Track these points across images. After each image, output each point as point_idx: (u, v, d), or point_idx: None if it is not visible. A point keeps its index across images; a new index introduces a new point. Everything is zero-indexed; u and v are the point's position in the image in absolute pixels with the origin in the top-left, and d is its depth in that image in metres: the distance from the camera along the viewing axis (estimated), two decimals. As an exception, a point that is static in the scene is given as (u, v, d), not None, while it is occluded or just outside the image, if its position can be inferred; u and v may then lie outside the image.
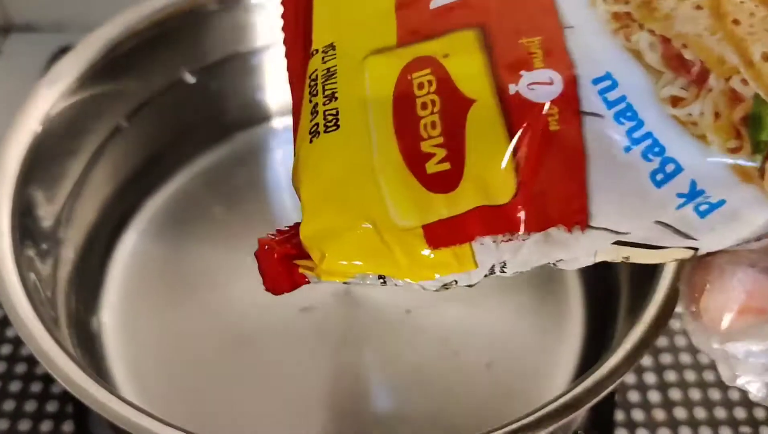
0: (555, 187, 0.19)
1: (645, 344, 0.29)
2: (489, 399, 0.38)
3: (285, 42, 0.24)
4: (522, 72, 0.19)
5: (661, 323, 0.30)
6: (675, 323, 0.42)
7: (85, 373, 0.29)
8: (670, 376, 0.40)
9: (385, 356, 0.39)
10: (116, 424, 0.28)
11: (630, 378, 0.40)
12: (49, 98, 0.35)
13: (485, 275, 0.21)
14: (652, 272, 0.32)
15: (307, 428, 0.37)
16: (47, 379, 0.39)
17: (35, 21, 0.58)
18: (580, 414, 0.29)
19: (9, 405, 0.38)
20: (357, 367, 0.39)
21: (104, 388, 0.29)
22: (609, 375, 0.29)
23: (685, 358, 0.41)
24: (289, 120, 0.45)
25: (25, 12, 0.57)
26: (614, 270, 0.39)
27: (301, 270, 0.21)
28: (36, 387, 0.39)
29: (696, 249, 0.19)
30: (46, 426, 0.38)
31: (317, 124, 0.21)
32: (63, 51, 0.55)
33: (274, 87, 0.46)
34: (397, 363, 0.39)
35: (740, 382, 0.21)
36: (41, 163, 0.35)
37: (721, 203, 0.18)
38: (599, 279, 0.40)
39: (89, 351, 0.37)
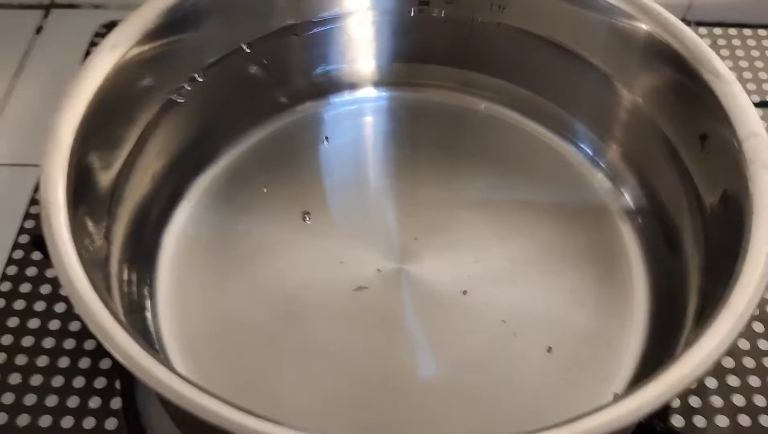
0: None
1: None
2: (549, 385, 0.37)
3: None
4: None
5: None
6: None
7: (142, 348, 0.28)
8: (727, 362, 0.39)
9: (440, 337, 0.38)
10: (176, 403, 0.27)
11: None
12: (106, 64, 0.34)
13: None
14: (732, 255, 0.30)
15: (357, 406, 0.36)
16: (96, 354, 0.38)
17: (76, -1, 0.58)
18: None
19: (58, 381, 0.38)
20: (410, 347, 0.38)
21: (163, 365, 0.28)
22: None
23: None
24: (343, 96, 0.45)
25: (66, -11, 0.57)
26: (683, 253, 0.37)
27: None
28: (84, 363, 0.38)
29: None
30: (94, 402, 0.37)
31: None
32: (106, 27, 0.55)
33: (331, 62, 0.44)
34: (452, 344, 0.38)
35: None
36: (97, 130, 0.34)
37: None
38: (665, 261, 0.39)
39: (140, 324, 0.37)
